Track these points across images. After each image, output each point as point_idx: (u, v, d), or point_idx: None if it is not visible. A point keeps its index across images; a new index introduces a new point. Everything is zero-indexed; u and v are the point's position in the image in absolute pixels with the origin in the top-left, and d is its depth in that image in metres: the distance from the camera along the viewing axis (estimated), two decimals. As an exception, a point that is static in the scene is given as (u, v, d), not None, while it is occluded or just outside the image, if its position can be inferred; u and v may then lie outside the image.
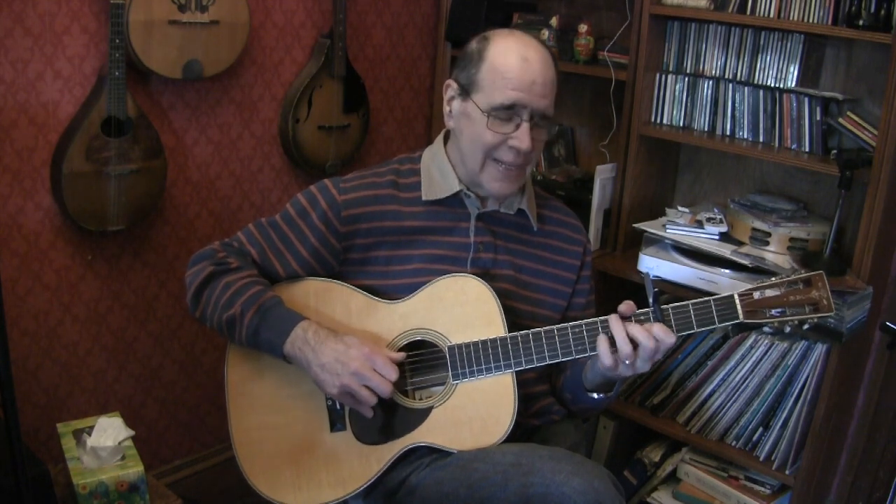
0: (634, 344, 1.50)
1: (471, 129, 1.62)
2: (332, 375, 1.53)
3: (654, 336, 1.49)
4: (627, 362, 1.50)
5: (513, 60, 1.57)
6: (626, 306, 1.54)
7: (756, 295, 1.53)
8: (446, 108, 1.68)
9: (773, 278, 1.54)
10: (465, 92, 1.62)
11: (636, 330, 1.50)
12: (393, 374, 1.53)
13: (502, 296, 1.60)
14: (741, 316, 1.52)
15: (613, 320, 1.52)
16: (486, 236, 1.70)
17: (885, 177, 2.03)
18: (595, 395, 1.66)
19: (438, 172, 1.70)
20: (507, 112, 1.57)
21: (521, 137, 1.57)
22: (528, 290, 1.73)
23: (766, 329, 1.57)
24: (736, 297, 1.53)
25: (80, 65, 2.07)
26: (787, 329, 1.55)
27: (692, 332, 1.55)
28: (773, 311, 1.53)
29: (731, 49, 2.39)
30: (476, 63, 1.60)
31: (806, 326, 1.55)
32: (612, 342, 1.51)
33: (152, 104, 2.23)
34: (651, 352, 1.49)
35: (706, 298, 1.54)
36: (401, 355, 1.59)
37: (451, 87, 1.67)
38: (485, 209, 1.71)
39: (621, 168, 2.54)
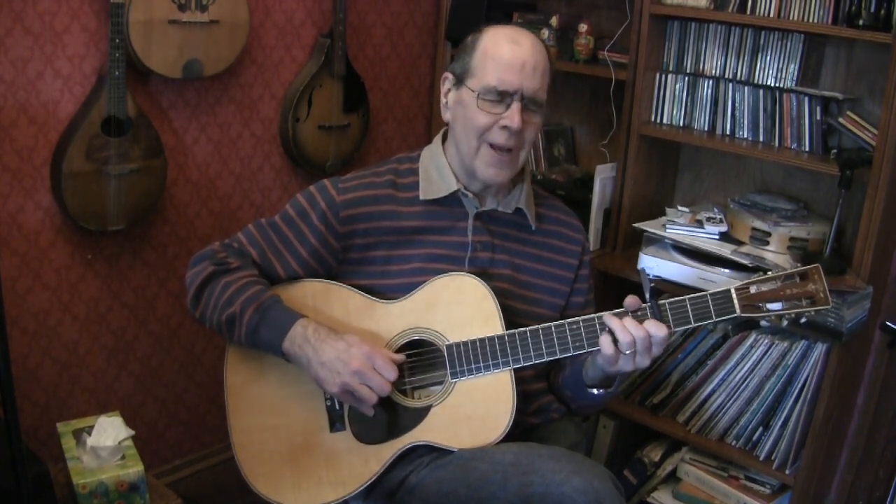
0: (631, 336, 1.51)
1: (464, 114, 1.64)
2: (332, 373, 1.53)
3: (647, 329, 1.50)
4: (628, 352, 1.51)
5: (503, 44, 1.61)
6: (631, 299, 1.56)
7: (752, 289, 1.53)
8: (443, 101, 1.71)
9: (770, 272, 1.54)
10: (460, 80, 1.66)
11: (630, 323, 1.51)
12: (392, 374, 1.54)
13: (500, 295, 1.61)
14: (738, 310, 1.52)
15: (608, 315, 1.54)
16: (484, 235, 1.70)
17: (885, 176, 2.03)
18: (595, 391, 1.66)
19: (436, 172, 1.70)
20: (498, 94, 1.60)
21: (512, 117, 1.60)
22: (526, 290, 1.73)
23: (763, 323, 1.57)
24: (732, 291, 1.53)
25: (79, 64, 2.07)
26: (785, 323, 1.55)
27: (690, 326, 1.55)
28: (771, 306, 1.53)
29: (731, 49, 2.39)
30: (470, 52, 1.65)
31: (803, 320, 1.55)
32: (613, 335, 1.53)
33: (152, 104, 2.23)
34: (645, 344, 1.50)
35: (703, 293, 1.54)
36: (401, 357, 1.59)
37: (447, 80, 1.71)
38: (483, 208, 1.71)
39: (621, 168, 2.54)
